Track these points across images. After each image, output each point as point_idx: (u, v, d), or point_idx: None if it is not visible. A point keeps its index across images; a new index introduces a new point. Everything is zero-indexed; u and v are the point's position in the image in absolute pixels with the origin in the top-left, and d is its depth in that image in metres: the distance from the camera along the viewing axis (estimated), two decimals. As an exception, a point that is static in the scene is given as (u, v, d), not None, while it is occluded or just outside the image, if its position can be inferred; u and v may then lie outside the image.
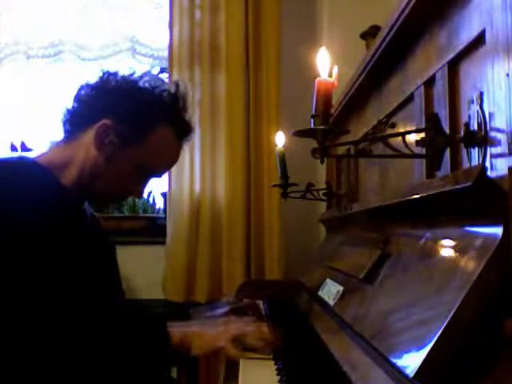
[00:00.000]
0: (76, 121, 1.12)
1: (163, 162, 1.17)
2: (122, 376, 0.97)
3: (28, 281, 0.91)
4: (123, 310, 1.24)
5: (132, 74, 1.15)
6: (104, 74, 1.13)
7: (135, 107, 1.09)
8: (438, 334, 0.60)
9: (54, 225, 0.98)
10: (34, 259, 0.92)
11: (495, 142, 0.67)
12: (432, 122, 0.87)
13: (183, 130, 1.18)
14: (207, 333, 1.05)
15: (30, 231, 0.93)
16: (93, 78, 1.14)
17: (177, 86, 1.17)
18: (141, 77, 1.14)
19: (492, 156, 0.68)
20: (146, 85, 1.14)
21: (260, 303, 1.57)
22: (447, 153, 0.84)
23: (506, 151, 0.64)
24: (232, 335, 1.04)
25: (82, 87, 1.13)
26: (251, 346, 1.06)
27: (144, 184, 1.18)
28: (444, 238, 0.77)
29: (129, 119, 1.09)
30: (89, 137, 1.09)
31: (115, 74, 1.13)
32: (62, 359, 0.92)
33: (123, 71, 1.15)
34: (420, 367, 0.60)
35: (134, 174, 1.13)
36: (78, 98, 1.13)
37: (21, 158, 1.18)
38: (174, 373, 2.30)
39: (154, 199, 2.63)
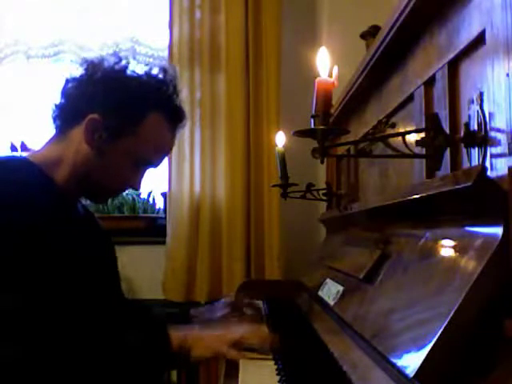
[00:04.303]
0: (65, 116, 1.10)
1: (158, 150, 1.13)
2: (123, 379, 0.97)
3: (19, 281, 0.89)
4: (122, 311, 1.22)
5: (118, 62, 1.09)
6: (89, 65, 1.09)
7: (123, 97, 1.06)
8: (438, 334, 0.60)
9: (44, 221, 0.96)
10: (24, 257, 0.90)
11: (495, 142, 0.67)
12: (432, 122, 0.87)
13: (175, 116, 1.14)
14: (207, 336, 1.05)
15: (19, 228, 0.91)
16: (78, 70, 1.09)
17: (165, 70, 1.13)
18: (127, 64, 1.10)
19: (492, 156, 0.68)
20: (133, 73, 1.09)
21: (260, 303, 1.57)
22: (447, 153, 0.84)
23: (506, 151, 0.64)
24: (231, 339, 1.03)
25: (67, 81, 1.10)
26: (251, 345, 1.05)
27: (141, 174, 1.15)
28: (444, 238, 0.77)
29: (117, 110, 1.05)
30: (79, 132, 1.07)
31: (100, 64, 1.09)
32: (58, 363, 0.90)
33: (109, 60, 1.10)
34: (420, 367, 0.60)
35: (130, 165, 1.10)
36: (64, 93, 1.10)
37: (12, 157, 1.17)
38: (174, 374, 2.31)
39: (154, 199, 2.62)
